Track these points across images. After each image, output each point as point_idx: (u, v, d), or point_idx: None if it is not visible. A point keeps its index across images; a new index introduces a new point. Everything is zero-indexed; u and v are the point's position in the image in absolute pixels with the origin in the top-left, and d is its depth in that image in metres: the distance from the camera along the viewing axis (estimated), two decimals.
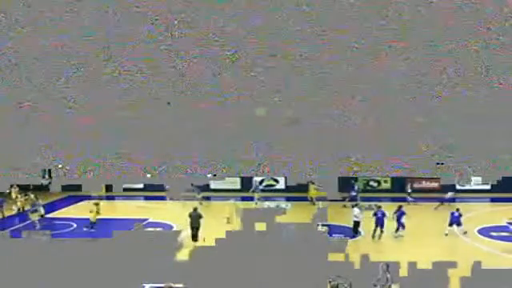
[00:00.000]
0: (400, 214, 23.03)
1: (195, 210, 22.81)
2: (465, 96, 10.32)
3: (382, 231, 22.74)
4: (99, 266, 15.08)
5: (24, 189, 29.34)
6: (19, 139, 12.92)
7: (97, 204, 25.74)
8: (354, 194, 29.92)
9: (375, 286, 14.59)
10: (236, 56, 9.26)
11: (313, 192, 29.96)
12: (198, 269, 15.23)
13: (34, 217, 25.46)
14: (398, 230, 22.92)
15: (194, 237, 22.07)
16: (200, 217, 22.35)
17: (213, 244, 15.83)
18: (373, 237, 22.70)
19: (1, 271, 15.07)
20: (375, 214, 22.98)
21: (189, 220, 22.48)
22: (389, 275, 14.39)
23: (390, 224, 23.04)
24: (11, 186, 28.85)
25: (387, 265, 14.57)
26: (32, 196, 28.46)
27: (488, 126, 11.70)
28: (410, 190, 30.64)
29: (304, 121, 11.92)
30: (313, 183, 29.39)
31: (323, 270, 15.01)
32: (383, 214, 22.82)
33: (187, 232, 21.86)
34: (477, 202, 30.16)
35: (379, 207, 23.13)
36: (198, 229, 22.12)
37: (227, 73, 9.85)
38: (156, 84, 10.39)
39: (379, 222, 22.70)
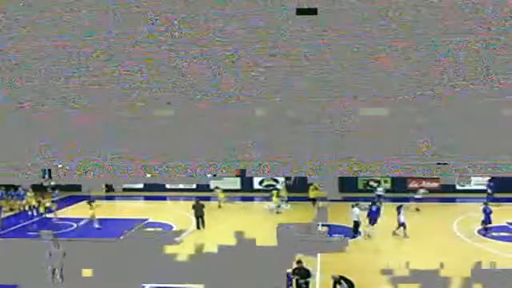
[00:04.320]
0: None
1: (198, 201, 24.92)
2: (465, 96, 10.32)
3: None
4: (99, 266, 15.08)
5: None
6: (19, 139, 12.93)
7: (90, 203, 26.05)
8: (380, 194, 29.92)
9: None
10: (236, 56, 9.26)
11: (281, 193, 29.93)
12: (197, 269, 15.24)
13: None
14: None
15: (201, 224, 24.39)
16: (203, 206, 24.73)
17: (212, 243, 15.88)
18: None
19: (1, 271, 15.09)
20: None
21: (193, 211, 24.68)
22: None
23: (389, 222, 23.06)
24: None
25: (340, 276, 14.10)
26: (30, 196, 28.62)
27: (488, 126, 11.70)
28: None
29: (304, 121, 11.92)
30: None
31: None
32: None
33: (188, 232, 22.02)
34: (477, 202, 30.15)
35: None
36: (202, 217, 24.48)
37: (227, 73, 9.84)
38: (156, 84, 10.39)
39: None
